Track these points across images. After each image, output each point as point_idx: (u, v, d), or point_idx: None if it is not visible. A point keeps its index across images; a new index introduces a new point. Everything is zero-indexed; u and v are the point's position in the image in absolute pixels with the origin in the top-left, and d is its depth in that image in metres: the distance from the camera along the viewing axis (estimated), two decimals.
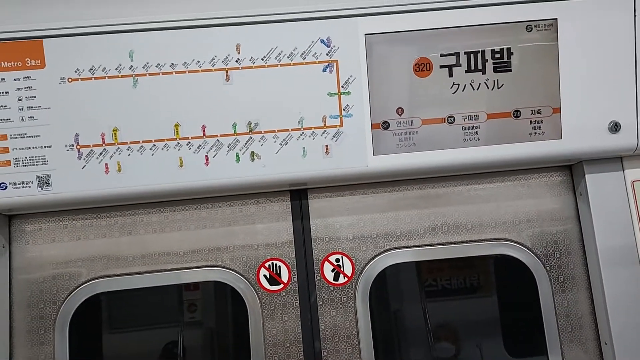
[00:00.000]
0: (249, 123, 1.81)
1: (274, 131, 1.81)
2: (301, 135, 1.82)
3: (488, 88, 1.86)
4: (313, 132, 1.82)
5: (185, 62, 1.78)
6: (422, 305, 2.12)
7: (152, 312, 2.26)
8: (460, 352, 2.12)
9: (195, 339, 2.19)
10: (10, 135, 1.77)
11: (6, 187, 1.78)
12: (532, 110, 1.88)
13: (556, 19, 1.84)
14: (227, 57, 1.79)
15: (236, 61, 1.80)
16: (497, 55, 1.86)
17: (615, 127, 1.87)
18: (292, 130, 1.82)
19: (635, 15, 1.85)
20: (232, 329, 2.15)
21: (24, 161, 1.77)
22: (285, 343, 1.92)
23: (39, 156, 1.77)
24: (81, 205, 1.90)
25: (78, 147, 1.78)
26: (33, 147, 1.77)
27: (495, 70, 1.86)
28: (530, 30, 1.87)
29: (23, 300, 1.92)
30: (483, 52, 1.86)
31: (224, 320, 2.18)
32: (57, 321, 1.90)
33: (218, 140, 1.80)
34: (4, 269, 1.89)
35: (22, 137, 1.77)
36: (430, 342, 2.08)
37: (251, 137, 1.81)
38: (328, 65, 1.82)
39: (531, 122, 1.88)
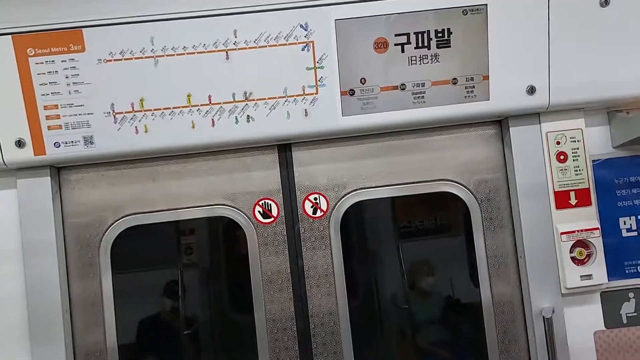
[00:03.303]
0: (245, 92, 2.49)
1: (265, 99, 2.49)
2: (286, 101, 2.50)
3: (432, 61, 2.53)
4: (295, 99, 2.50)
5: (194, 45, 2.44)
6: (382, 233, 2.87)
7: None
8: (407, 267, 2.86)
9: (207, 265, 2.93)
10: (61, 105, 2.45)
11: (59, 146, 2.47)
12: (466, 78, 2.56)
13: (486, 4, 2.49)
14: (226, 41, 2.45)
15: (234, 44, 2.46)
16: (440, 35, 2.52)
17: (531, 90, 2.56)
18: (279, 97, 2.50)
19: (549, 1, 2.50)
20: (238, 254, 2.85)
21: (73, 125, 2.46)
22: (276, 262, 2.67)
23: (83, 121, 2.46)
24: (117, 159, 2.60)
25: (114, 113, 2.46)
26: (79, 114, 2.45)
27: (438, 46, 2.53)
28: (466, 14, 2.52)
29: (73, 233, 2.65)
30: (429, 32, 2.52)
31: (230, 249, 2.90)
32: (100, 248, 2.63)
33: (221, 107, 2.48)
34: (57, 209, 2.61)
35: (69, 107, 2.45)
36: (386, 260, 2.83)
37: (247, 104, 2.49)
38: (306, 45, 2.48)
39: (466, 88, 2.56)
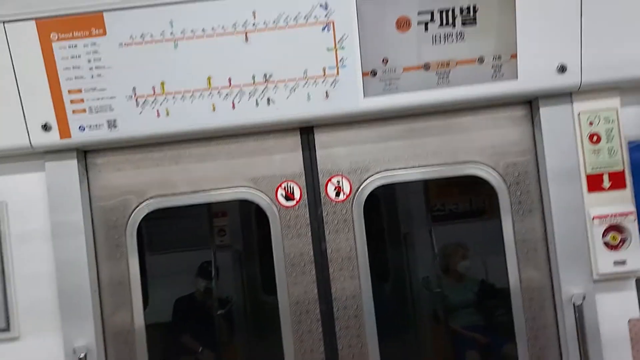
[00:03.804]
0: (265, 75, 2.46)
1: (285, 81, 2.46)
2: (306, 83, 2.47)
3: (457, 39, 2.44)
4: (315, 80, 2.47)
5: (213, 27, 2.43)
6: (406, 217, 2.82)
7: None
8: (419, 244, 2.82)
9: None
10: (84, 89, 2.48)
11: (84, 129, 2.51)
12: (493, 57, 2.46)
13: None
14: (245, 22, 2.43)
15: (253, 25, 2.43)
16: (465, 12, 2.43)
17: (562, 69, 2.46)
18: (299, 79, 2.47)
19: None
20: (263, 235, 2.86)
21: (96, 109, 2.49)
22: (299, 245, 2.66)
23: (106, 105, 2.49)
24: (140, 142, 2.63)
25: (135, 97, 2.48)
26: (102, 98, 2.48)
27: (464, 24, 2.44)
28: None
29: (100, 216, 2.70)
30: (453, 9, 2.43)
31: (256, 230, 2.92)
32: (127, 230, 2.68)
33: (241, 89, 2.47)
34: (85, 192, 2.66)
35: (92, 90, 2.48)
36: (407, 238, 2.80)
37: (267, 86, 2.47)
38: (326, 25, 2.44)
39: (493, 67, 2.47)
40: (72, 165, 2.62)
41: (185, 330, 3.84)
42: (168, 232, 2.80)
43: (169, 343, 3.36)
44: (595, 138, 2.53)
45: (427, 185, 2.77)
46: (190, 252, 3.08)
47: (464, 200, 2.81)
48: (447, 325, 2.84)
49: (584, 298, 2.48)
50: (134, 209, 2.69)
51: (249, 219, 3.39)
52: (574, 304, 2.48)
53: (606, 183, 2.53)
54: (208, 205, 2.82)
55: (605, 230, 2.50)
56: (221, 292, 3.65)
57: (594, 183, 2.53)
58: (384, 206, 2.84)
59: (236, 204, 3.10)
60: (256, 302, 3.39)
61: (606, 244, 2.50)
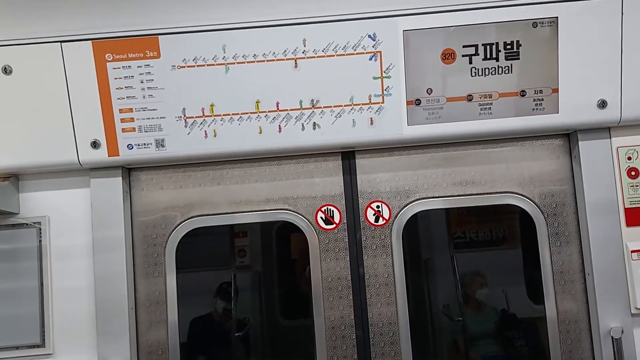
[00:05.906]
0: (312, 100, 2.51)
1: (331, 107, 2.51)
2: (352, 110, 2.51)
3: (500, 73, 2.49)
4: (361, 107, 2.51)
5: (264, 53, 2.48)
6: (444, 244, 2.83)
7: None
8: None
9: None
10: (135, 108, 2.53)
11: (132, 148, 2.55)
12: (535, 90, 2.51)
13: (557, 17, 2.45)
14: (295, 49, 2.48)
15: (302, 52, 2.49)
16: (509, 47, 2.49)
17: (602, 104, 2.50)
18: (345, 105, 2.51)
19: (622, 14, 2.44)
20: (301, 258, 2.86)
21: (145, 128, 2.53)
22: (337, 268, 2.66)
23: (156, 125, 2.53)
24: (186, 162, 2.66)
25: (185, 118, 2.53)
26: (152, 118, 2.52)
27: (507, 58, 2.50)
28: (536, 26, 2.48)
29: (140, 232, 2.71)
30: (497, 44, 2.49)
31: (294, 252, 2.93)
32: (166, 248, 2.69)
33: (288, 114, 2.51)
34: (127, 209, 2.68)
35: (143, 110, 2.53)
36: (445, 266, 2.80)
37: (313, 111, 2.51)
38: (373, 55, 2.49)
39: (534, 100, 2.51)
40: (116, 182, 2.64)
41: (201, 351, 3.80)
42: (190, 251, 2.81)
43: None
44: (633, 172, 2.55)
45: (466, 212, 2.79)
46: (210, 272, 3.08)
47: (500, 229, 2.83)
48: (481, 358, 2.82)
49: (622, 332, 2.46)
50: (175, 228, 2.70)
51: (270, 240, 3.39)
52: (612, 338, 2.46)
53: None
54: (230, 225, 2.84)
55: None
56: (240, 314, 3.65)
57: (633, 217, 2.54)
58: (423, 232, 2.85)
59: (257, 225, 3.12)
60: (275, 326, 3.37)
61: None
